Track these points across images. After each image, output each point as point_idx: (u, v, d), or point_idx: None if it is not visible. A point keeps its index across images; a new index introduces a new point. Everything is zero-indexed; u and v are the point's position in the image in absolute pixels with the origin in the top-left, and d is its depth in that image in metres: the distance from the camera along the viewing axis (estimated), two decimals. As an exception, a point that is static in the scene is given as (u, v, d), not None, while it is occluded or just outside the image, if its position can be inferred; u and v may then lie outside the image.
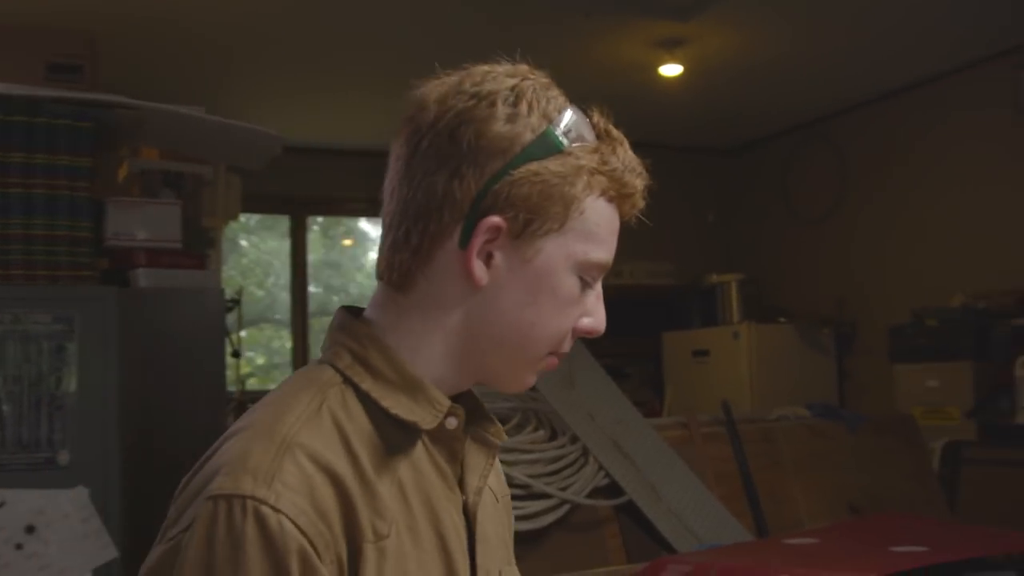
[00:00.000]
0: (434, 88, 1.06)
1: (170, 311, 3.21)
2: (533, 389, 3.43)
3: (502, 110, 1.03)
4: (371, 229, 7.54)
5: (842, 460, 3.89)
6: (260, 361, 7.53)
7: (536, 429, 3.29)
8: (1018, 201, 5.38)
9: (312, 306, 7.14)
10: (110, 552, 2.84)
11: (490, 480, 1.17)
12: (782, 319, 6.35)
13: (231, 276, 7.01)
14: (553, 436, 3.30)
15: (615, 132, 1.11)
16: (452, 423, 1.07)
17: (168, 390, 3.10)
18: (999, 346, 4.96)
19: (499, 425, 1.15)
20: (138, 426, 3.01)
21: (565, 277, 1.06)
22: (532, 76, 1.08)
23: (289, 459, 0.94)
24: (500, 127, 1.02)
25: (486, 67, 1.07)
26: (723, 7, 4.70)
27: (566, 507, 3.12)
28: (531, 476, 3.06)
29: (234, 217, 5.31)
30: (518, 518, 3.04)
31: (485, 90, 1.04)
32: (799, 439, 3.83)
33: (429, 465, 1.06)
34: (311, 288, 7.19)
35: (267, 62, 5.26)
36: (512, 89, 1.05)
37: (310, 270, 7.16)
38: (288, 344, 7.22)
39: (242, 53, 5.16)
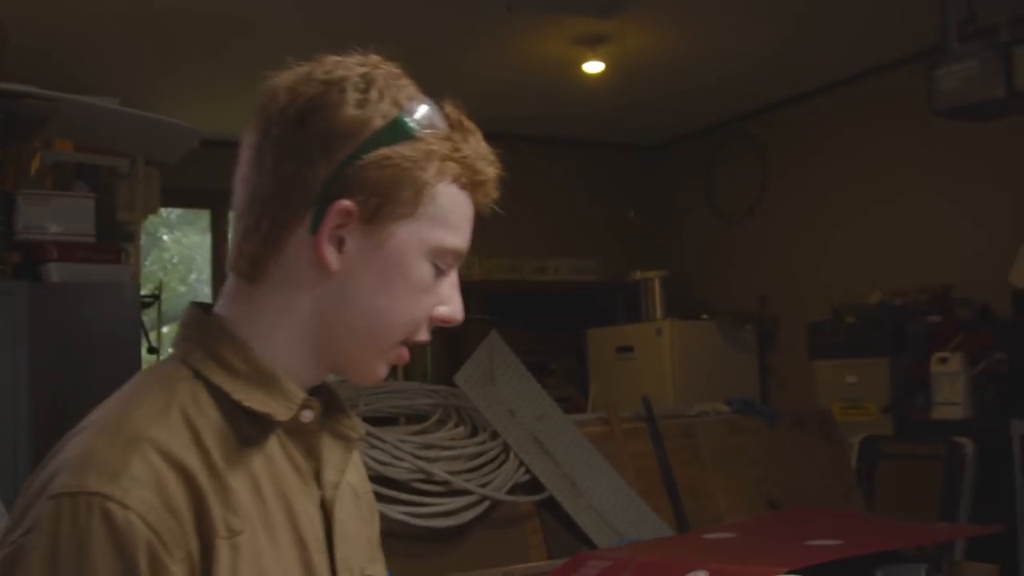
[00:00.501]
0: (285, 77, 1.06)
1: (83, 306, 3.14)
2: (453, 385, 3.41)
3: (352, 96, 1.02)
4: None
5: (761, 455, 3.93)
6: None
7: (456, 425, 3.27)
8: (933, 200, 5.49)
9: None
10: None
11: (350, 476, 1.16)
12: (705, 316, 6.42)
13: (152, 271, 6.90)
14: (474, 432, 3.28)
15: (467, 122, 1.10)
16: (307, 416, 1.05)
17: (82, 386, 3.03)
18: (915, 343, 5.04)
19: (356, 419, 1.15)
20: (50, 423, 2.94)
21: (418, 263, 1.05)
22: (383, 66, 1.07)
23: (137, 454, 0.92)
24: (350, 112, 1.01)
25: (337, 56, 1.07)
26: (645, 5, 4.72)
27: (487, 503, 3.10)
28: (451, 472, 3.04)
29: (153, 211, 5.21)
30: (439, 514, 3.02)
31: (335, 76, 1.03)
32: (719, 434, 3.86)
33: (284, 459, 1.04)
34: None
35: (183, 54, 5.18)
36: (363, 76, 1.04)
37: (231, 266, 7.07)
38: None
39: (156, 44, 5.07)
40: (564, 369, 6.66)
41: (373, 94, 1.03)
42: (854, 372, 5.19)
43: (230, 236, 1.09)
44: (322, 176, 1.01)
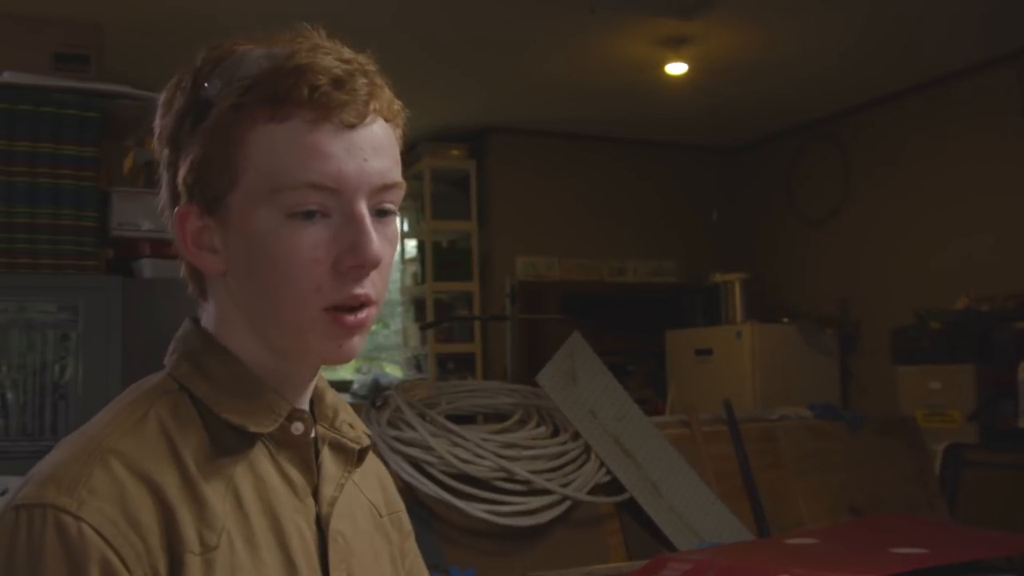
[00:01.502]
0: None
1: (174, 301, 3.21)
2: (533, 384, 3.44)
3: (167, 95, 1.01)
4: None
5: (843, 461, 3.89)
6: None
7: (538, 425, 3.29)
8: (1016, 205, 5.39)
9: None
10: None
11: (370, 494, 1.14)
12: (785, 319, 6.37)
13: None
14: (555, 432, 3.30)
15: (302, 45, 0.98)
16: (298, 428, 1.02)
17: (170, 380, 3.11)
18: (1002, 349, 4.96)
19: (361, 429, 1.10)
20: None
21: (273, 227, 0.95)
22: (258, 44, 0.99)
23: (100, 466, 0.90)
24: (161, 112, 1.01)
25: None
26: (728, 6, 4.71)
27: (567, 503, 3.12)
28: (532, 472, 3.06)
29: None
30: (520, 513, 3.04)
31: (172, 82, 1.02)
32: (800, 439, 3.82)
33: (275, 473, 1.01)
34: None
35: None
36: (184, 75, 1.01)
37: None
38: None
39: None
40: (642, 371, 6.66)
41: (184, 82, 1.00)
42: (938, 379, 5.12)
43: None
44: (166, 192, 1.03)
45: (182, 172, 0.97)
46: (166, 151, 1.01)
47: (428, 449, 3.08)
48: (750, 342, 6.08)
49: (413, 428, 2.72)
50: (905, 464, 4.14)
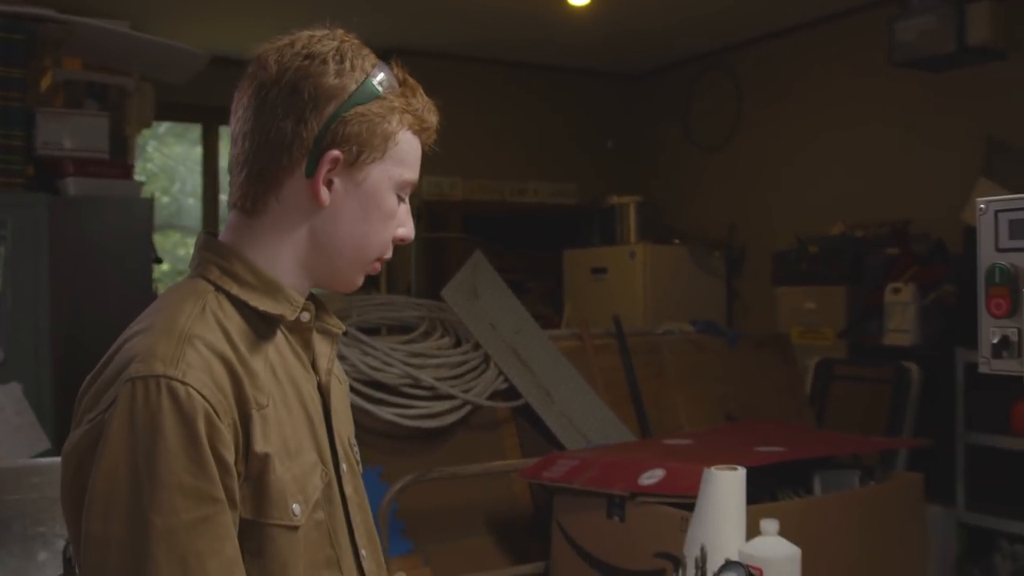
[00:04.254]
0: (270, 50, 1.31)
1: (98, 218, 3.36)
2: (439, 299, 3.68)
3: (332, 67, 1.29)
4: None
5: (721, 373, 4.24)
6: (165, 268, 7.61)
7: (441, 336, 3.55)
8: (891, 141, 5.71)
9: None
10: (43, 443, 3.02)
11: (336, 370, 1.44)
12: (677, 241, 6.61)
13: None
14: (457, 343, 3.56)
15: (411, 80, 1.36)
16: (305, 317, 1.33)
17: (98, 293, 3.27)
18: (872, 273, 5.30)
19: (337, 319, 1.42)
20: (69, 326, 3.19)
21: (387, 195, 1.34)
22: (347, 39, 1.33)
23: (189, 347, 1.17)
24: (332, 80, 1.28)
25: (309, 31, 1.33)
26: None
27: (468, 408, 3.40)
28: (437, 379, 3.33)
29: (148, 125, 5.39)
30: (424, 416, 3.32)
31: (315, 51, 1.30)
32: (683, 352, 4.16)
33: (289, 351, 1.31)
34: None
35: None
36: (337, 50, 1.30)
37: (216, 178, 7.22)
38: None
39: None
40: (540, 288, 6.86)
41: (347, 64, 1.30)
42: (814, 299, 5.44)
43: (230, 177, 1.34)
44: (314, 132, 1.27)
45: (347, 127, 1.28)
46: (305, 103, 1.28)
47: (341, 358, 3.33)
48: (643, 262, 6.32)
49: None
50: (778, 376, 4.52)
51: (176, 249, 7.47)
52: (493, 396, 3.48)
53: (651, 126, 7.54)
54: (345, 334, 3.43)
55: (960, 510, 4.55)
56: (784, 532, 1.84)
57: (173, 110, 6.35)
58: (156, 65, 3.77)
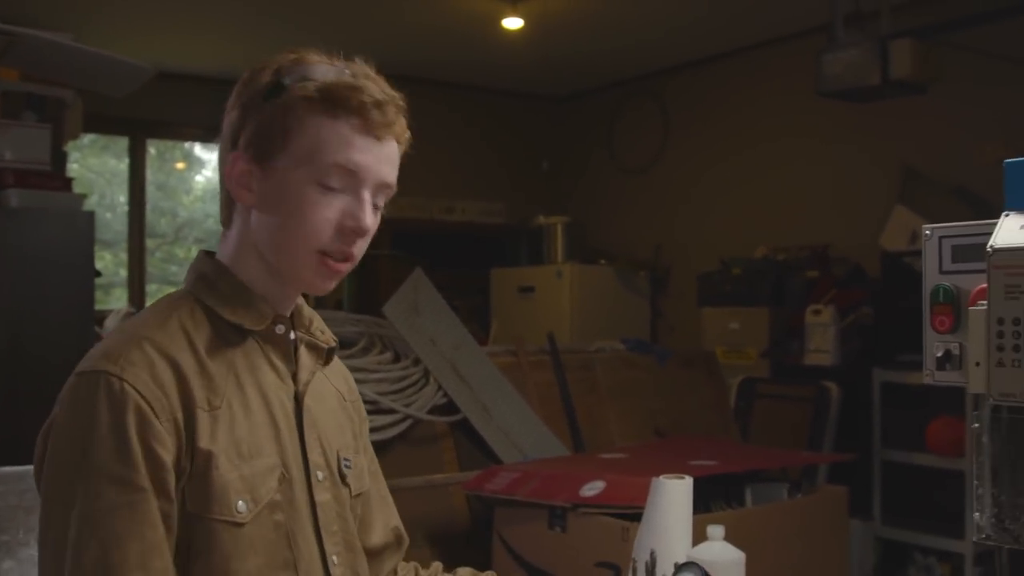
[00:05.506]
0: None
1: (40, 231, 3.35)
2: (380, 316, 3.73)
3: (263, 78, 1.33)
4: (204, 154, 7.57)
5: (651, 389, 4.34)
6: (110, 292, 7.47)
7: (382, 352, 3.60)
8: (817, 165, 5.90)
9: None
10: (-20, 453, 3.01)
11: (338, 384, 1.51)
12: (603, 261, 6.74)
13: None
14: (397, 358, 3.62)
15: (355, 71, 1.35)
16: (280, 329, 1.38)
17: (39, 305, 3.26)
18: (793, 295, 5.47)
19: (330, 335, 1.47)
20: (10, 338, 3.18)
21: (302, 188, 1.30)
22: (312, 56, 1.35)
23: (136, 347, 1.24)
24: (251, 88, 1.34)
25: (293, 54, 1.36)
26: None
27: (408, 422, 3.46)
28: (378, 393, 3.38)
29: (75, 137, 5.35)
30: (366, 429, 3.35)
31: (265, 65, 1.35)
32: (615, 368, 4.26)
33: (263, 361, 1.36)
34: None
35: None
36: (283, 63, 1.34)
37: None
38: (111, 265, 7.21)
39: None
40: (468, 306, 6.92)
41: (268, 71, 1.33)
42: (737, 319, 5.59)
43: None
44: (226, 138, 1.35)
45: (247, 129, 1.32)
46: (235, 113, 1.34)
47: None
48: (569, 281, 6.44)
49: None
50: (705, 393, 4.65)
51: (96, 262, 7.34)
52: (432, 411, 3.54)
53: (579, 148, 7.66)
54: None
55: (877, 524, 4.71)
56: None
57: (100, 122, 6.30)
58: (98, 78, 3.77)
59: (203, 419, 1.25)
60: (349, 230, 1.32)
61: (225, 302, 1.34)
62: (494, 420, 3.62)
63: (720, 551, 1.90)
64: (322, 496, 1.38)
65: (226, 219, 1.39)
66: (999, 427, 1.08)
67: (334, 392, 1.50)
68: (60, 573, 1.17)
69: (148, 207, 7.18)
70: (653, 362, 4.40)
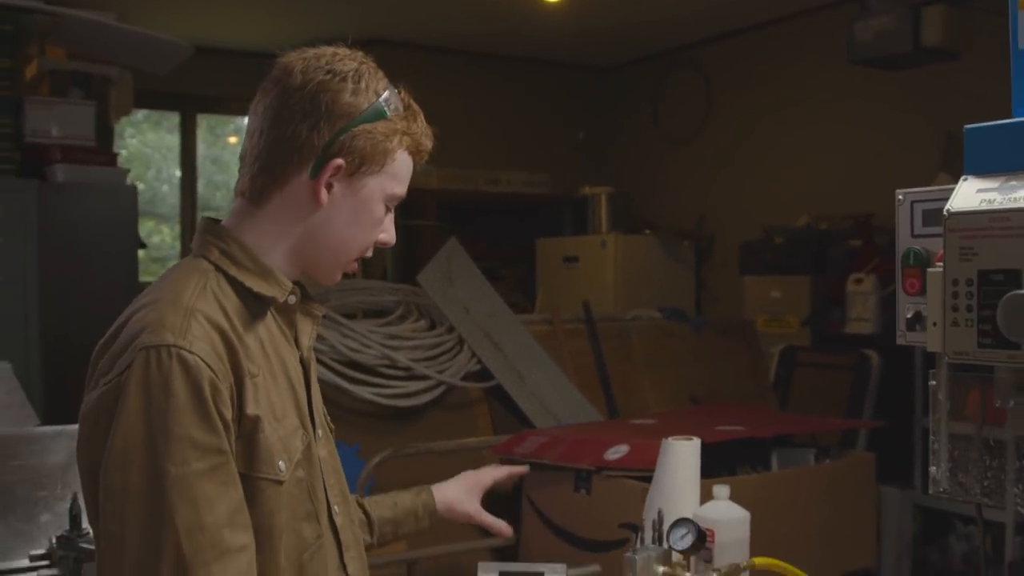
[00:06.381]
0: (297, 60, 1.46)
1: (85, 205, 3.47)
2: (413, 283, 3.81)
3: (350, 85, 1.44)
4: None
5: (687, 357, 4.38)
6: (140, 255, 7.63)
7: (417, 319, 3.68)
8: (855, 136, 5.87)
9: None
10: (32, 420, 3.12)
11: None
12: (647, 231, 6.74)
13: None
14: (432, 326, 3.70)
15: (415, 106, 1.54)
16: (292, 299, 1.47)
17: (84, 277, 3.39)
18: (836, 263, 5.45)
19: (318, 303, 1.57)
20: (56, 309, 3.30)
21: (378, 205, 1.49)
22: (365, 61, 1.50)
23: (194, 320, 1.31)
24: (348, 97, 1.44)
25: (332, 48, 1.49)
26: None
27: (442, 388, 3.54)
28: (412, 360, 3.46)
29: (127, 113, 5.48)
30: (400, 395, 3.45)
31: (337, 68, 1.45)
32: (650, 337, 4.30)
33: (276, 329, 1.46)
34: (196, 184, 7.32)
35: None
36: (356, 71, 1.46)
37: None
38: (168, 239, 7.37)
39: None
40: (514, 276, 6.98)
41: (363, 84, 1.45)
42: (779, 288, 5.58)
43: (241, 166, 1.49)
44: (324, 139, 1.42)
45: (354, 141, 1.44)
46: (330, 108, 1.44)
47: (321, 339, 3.46)
48: (613, 251, 6.45)
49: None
50: (741, 361, 4.68)
51: (151, 236, 7.53)
52: (466, 377, 3.62)
53: (623, 118, 7.67)
54: (325, 316, 3.56)
55: (917, 492, 4.71)
56: (741, 504, 1.99)
57: (151, 98, 6.43)
58: (139, 55, 3.88)
59: (248, 386, 1.34)
60: (382, 243, 1.53)
61: (246, 273, 1.42)
62: (528, 386, 3.69)
63: (725, 510, 1.96)
64: (322, 452, 1.50)
65: (260, 197, 1.46)
66: (954, 385, 1.12)
67: (314, 356, 1.60)
68: (152, 539, 1.23)
69: (202, 181, 7.32)
70: (689, 330, 4.44)
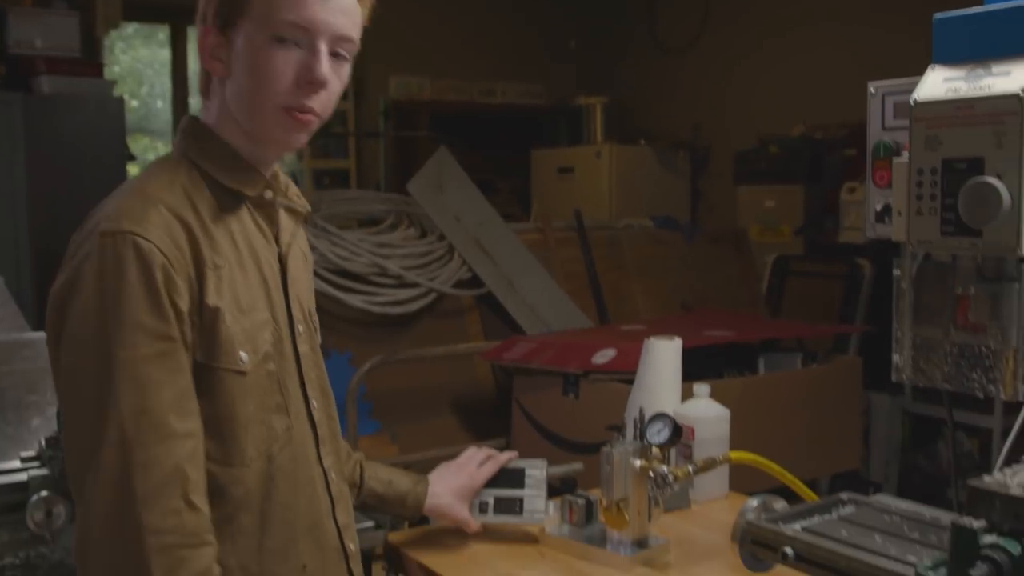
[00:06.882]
0: None
1: (72, 116, 3.46)
2: (405, 193, 3.81)
3: None
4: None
5: (678, 265, 4.40)
6: (134, 170, 7.59)
7: (408, 227, 3.69)
8: (850, 44, 5.79)
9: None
10: (24, 331, 3.15)
11: (302, 246, 1.60)
12: (642, 141, 6.72)
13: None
14: (423, 234, 3.71)
15: None
16: (268, 195, 1.47)
17: (73, 189, 3.38)
18: (830, 173, 5.44)
19: (303, 201, 1.56)
20: (46, 221, 3.31)
21: (264, 47, 1.36)
22: None
23: (153, 208, 1.32)
24: None
25: None
26: None
27: (433, 295, 3.56)
28: (403, 268, 3.47)
29: (115, 25, 5.42)
30: (391, 303, 3.47)
31: None
32: (641, 245, 4.31)
33: (252, 225, 1.45)
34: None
35: None
36: None
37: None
38: (163, 152, 7.33)
39: None
40: (509, 187, 6.96)
41: None
42: (773, 197, 5.58)
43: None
44: (200, 15, 1.40)
45: (213, 1, 1.38)
46: None
47: (311, 248, 3.47)
48: (609, 162, 6.43)
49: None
50: (732, 269, 4.70)
51: (145, 153, 7.49)
52: (457, 285, 3.63)
53: (618, 27, 7.57)
54: (316, 226, 3.57)
55: (907, 399, 4.76)
56: (727, 406, 2.01)
57: (140, 10, 6.34)
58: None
59: (210, 277, 1.34)
60: (306, 82, 1.37)
61: (221, 168, 1.42)
62: (519, 294, 3.71)
63: (704, 407, 1.99)
64: (302, 347, 1.50)
65: (204, 90, 1.46)
66: (918, 273, 1.13)
67: (302, 254, 1.60)
68: (97, 420, 1.26)
69: (194, 96, 7.25)
70: (681, 239, 4.44)
